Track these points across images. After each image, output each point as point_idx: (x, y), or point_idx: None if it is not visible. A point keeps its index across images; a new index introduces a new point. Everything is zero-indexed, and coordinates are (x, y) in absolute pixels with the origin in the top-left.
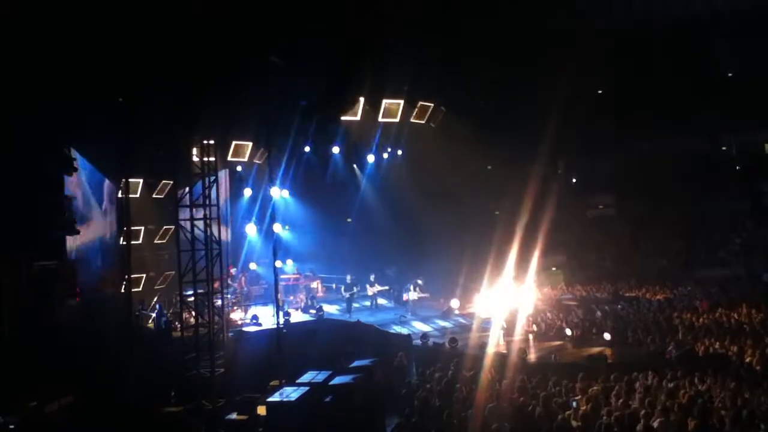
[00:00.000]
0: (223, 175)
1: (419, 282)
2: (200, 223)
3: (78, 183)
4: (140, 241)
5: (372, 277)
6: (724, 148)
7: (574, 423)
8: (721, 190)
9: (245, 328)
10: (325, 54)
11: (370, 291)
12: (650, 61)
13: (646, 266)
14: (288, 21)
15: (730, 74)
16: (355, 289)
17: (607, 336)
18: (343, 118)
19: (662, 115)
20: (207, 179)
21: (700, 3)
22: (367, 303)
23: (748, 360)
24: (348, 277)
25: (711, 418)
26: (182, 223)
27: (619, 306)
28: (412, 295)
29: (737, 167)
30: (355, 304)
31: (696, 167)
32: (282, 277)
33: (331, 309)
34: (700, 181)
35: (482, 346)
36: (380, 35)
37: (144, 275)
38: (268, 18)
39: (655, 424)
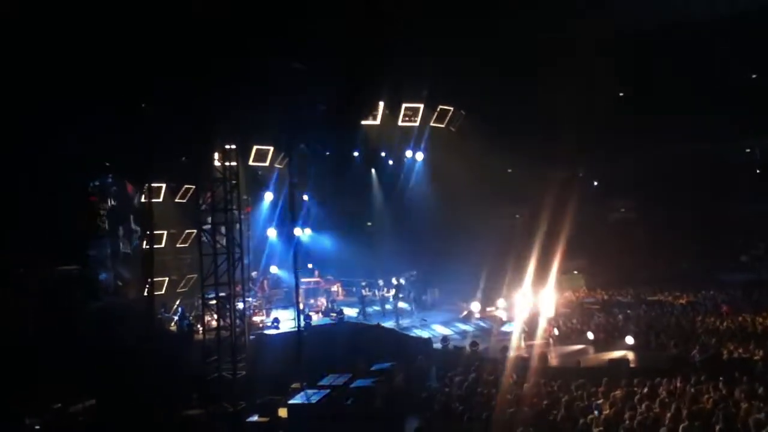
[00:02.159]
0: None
1: (398, 281)
2: (222, 227)
3: None
4: (163, 245)
5: (381, 282)
6: (747, 151)
7: (596, 428)
8: (744, 193)
9: (266, 331)
10: (345, 58)
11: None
12: (672, 63)
13: (668, 270)
14: (307, 23)
15: (753, 76)
16: (394, 290)
17: (629, 340)
18: (363, 122)
19: (684, 118)
20: (228, 184)
21: (723, 4)
22: (377, 308)
23: None
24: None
25: (736, 423)
26: (204, 227)
27: (641, 309)
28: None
29: (761, 169)
30: (376, 308)
31: (718, 170)
32: (303, 280)
33: (351, 312)
34: (722, 184)
35: (503, 350)
36: (399, 38)
37: (166, 279)
38: (287, 21)
39: (679, 429)
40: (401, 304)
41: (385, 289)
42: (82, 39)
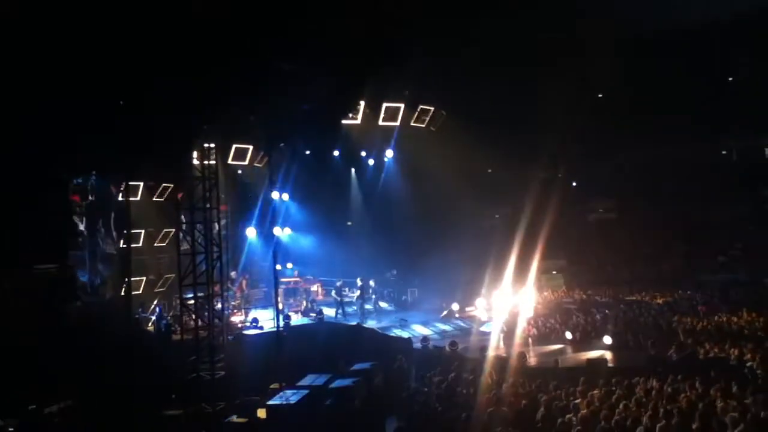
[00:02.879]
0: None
1: (362, 282)
2: (200, 226)
3: None
4: (140, 244)
5: (360, 281)
6: (724, 153)
7: (574, 428)
8: (721, 195)
9: (245, 332)
10: (326, 58)
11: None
12: (651, 66)
13: (646, 270)
14: (289, 23)
15: (730, 78)
16: (368, 292)
17: (607, 340)
18: (343, 121)
19: (663, 120)
20: (207, 182)
21: (701, 8)
22: (356, 308)
23: (748, 364)
24: (358, 280)
25: (712, 422)
26: (182, 225)
27: (619, 310)
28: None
29: (738, 172)
30: (356, 307)
31: (697, 172)
32: (282, 280)
33: (330, 312)
34: (700, 186)
35: (482, 350)
36: (381, 38)
37: (144, 278)
38: (269, 20)
39: (656, 428)
40: (368, 306)
41: (358, 291)
42: (62, 38)
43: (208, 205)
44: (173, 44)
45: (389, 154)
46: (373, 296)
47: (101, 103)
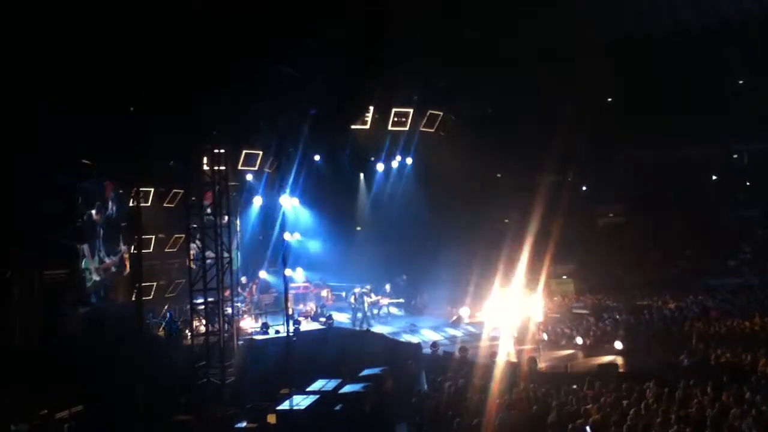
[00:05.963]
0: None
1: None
2: (211, 232)
3: None
4: (151, 250)
5: (369, 287)
6: (735, 156)
7: None
8: (731, 199)
9: (255, 337)
10: (334, 63)
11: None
12: (660, 69)
13: (656, 275)
14: (298, 26)
15: (740, 81)
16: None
17: (618, 345)
18: (352, 126)
19: (672, 123)
20: (218, 188)
21: (711, 10)
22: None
23: (762, 369)
24: (357, 288)
25: (724, 428)
26: (193, 231)
27: (630, 315)
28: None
29: (748, 175)
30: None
31: (707, 175)
32: (292, 285)
33: (341, 317)
34: (710, 189)
35: (492, 355)
36: (390, 42)
37: (154, 284)
38: (278, 23)
39: None
40: (376, 311)
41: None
42: (71, 40)
43: (218, 211)
44: (174, 44)
45: (398, 158)
46: (382, 300)
47: (110, 109)
